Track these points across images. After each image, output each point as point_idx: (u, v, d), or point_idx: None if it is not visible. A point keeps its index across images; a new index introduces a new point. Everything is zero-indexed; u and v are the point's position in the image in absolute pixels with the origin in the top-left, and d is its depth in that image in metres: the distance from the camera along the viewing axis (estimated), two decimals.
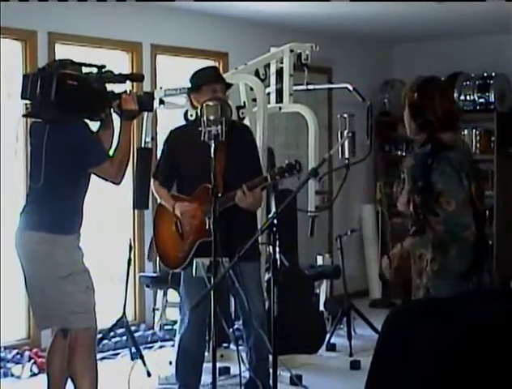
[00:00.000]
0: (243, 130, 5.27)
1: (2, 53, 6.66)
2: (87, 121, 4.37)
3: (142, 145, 6.50)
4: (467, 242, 3.88)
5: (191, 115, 5.78)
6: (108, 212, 7.50)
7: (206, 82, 5.08)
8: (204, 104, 4.61)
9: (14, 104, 6.67)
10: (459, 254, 3.88)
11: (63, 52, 6.98)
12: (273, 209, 6.25)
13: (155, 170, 5.34)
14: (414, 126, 4.06)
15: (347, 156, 5.47)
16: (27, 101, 4.38)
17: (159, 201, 5.25)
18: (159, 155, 5.40)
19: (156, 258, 6.81)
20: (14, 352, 6.48)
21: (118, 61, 7.55)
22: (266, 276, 5.96)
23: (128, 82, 4.71)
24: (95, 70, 4.40)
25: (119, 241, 7.28)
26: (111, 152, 4.41)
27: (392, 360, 2.86)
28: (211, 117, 4.49)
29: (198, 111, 5.01)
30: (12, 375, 6.26)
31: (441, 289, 3.88)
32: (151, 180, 5.31)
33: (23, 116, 4.64)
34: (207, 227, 4.75)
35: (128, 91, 4.49)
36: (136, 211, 7.38)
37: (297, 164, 4.93)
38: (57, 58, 5.06)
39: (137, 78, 5.35)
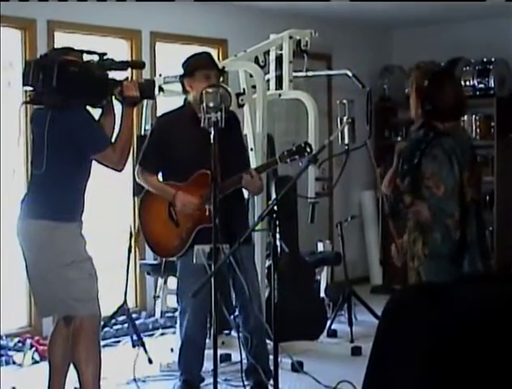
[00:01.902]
0: (231, 117, 5.23)
1: (1, 41, 6.65)
2: (89, 108, 4.37)
3: (142, 132, 6.50)
4: (448, 229, 3.89)
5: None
6: (108, 199, 7.50)
7: (200, 67, 5.07)
8: (204, 91, 4.61)
9: (14, 93, 6.68)
10: (443, 238, 3.90)
11: (62, 40, 6.97)
12: (273, 195, 6.27)
13: (141, 157, 5.25)
14: (419, 111, 4.08)
15: (346, 142, 5.48)
16: (29, 88, 4.38)
17: (146, 188, 5.19)
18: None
19: (144, 247, 6.84)
20: (16, 340, 6.50)
21: (118, 49, 7.54)
22: (267, 263, 5.98)
23: (128, 69, 4.72)
24: (96, 57, 4.40)
25: (119, 229, 7.28)
26: (113, 139, 4.41)
27: (392, 346, 2.87)
28: (211, 104, 4.50)
29: (191, 98, 5.02)
30: (14, 363, 6.27)
31: (430, 272, 3.91)
32: (137, 167, 5.24)
33: (25, 103, 4.64)
34: (207, 213, 4.76)
35: (129, 79, 4.49)
36: (136, 199, 7.36)
37: (307, 146, 4.96)
38: (57, 46, 5.06)
39: (138, 65, 5.35)
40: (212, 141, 4.44)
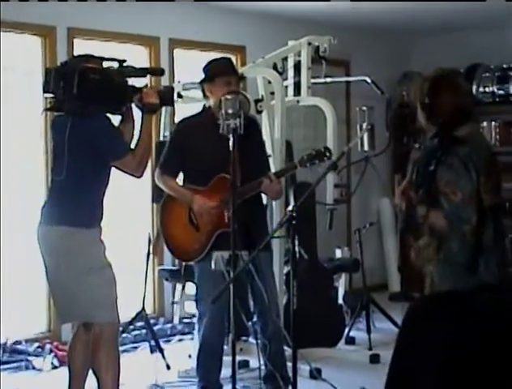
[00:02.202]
0: (251, 122, 5.24)
1: (22, 48, 6.69)
2: (109, 114, 4.39)
3: (161, 139, 6.51)
4: (465, 236, 3.87)
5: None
6: (127, 206, 7.53)
7: (220, 73, 5.08)
8: (223, 98, 4.62)
9: (34, 99, 6.71)
10: (460, 246, 3.88)
11: (82, 47, 7.02)
12: (291, 202, 6.26)
13: (161, 161, 5.26)
14: (425, 122, 4.06)
15: (366, 148, 5.48)
16: (49, 95, 4.40)
17: (167, 192, 5.21)
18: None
19: (162, 252, 6.86)
20: (36, 345, 6.53)
21: (136, 56, 7.57)
22: (285, 269, 5.98)
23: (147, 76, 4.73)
24: (115, 64, 4.42)
25: (138, 235, 7.30)
26: (132, 146, 4.42)
27: (413, 354, 2.87)
28: (230, 111, 4.50)
29: (211, 103, 5.03)
30: (33, 368, 6.30)
31: (445, 278, 3.88)
32: (156, 171, 5.26)
33: (45, 110, 4.68)
34: (226, 218, 4.77)
35: (149, 86, 4.51)
36: (155, 205, 7.39)
37: (326, 151, 4.97)
38: (77, 53, 5.09)
39: (157, 72, 5.37)
40: (231, 147, 4.45)
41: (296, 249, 4.47)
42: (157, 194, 6.36)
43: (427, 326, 2.77)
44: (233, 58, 7.96)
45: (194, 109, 6.28)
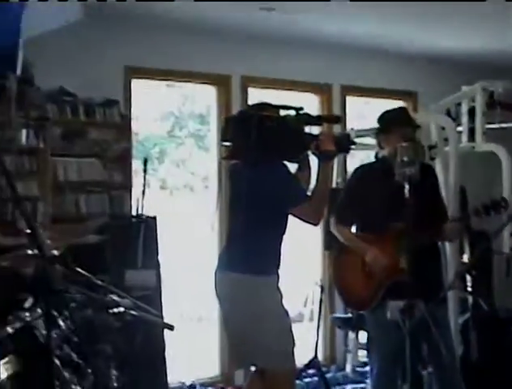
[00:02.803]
0: (428, 169, 5.17)
1: (197, 97, 6.91)
2: (286, 162, 4.43)
3: (334, 185, 6.53)
4: None
5: (380, 155, 5.77)
6: (296, 251, 7.57)
7: (397, 124, 5.03)
8: (399, 146, 4.58)
9: (209, 147, 6.90)
10: None
11: (255, 95, 7.17)
12: (466, 250, 6.12)
13: (337, 209, 5.24)
14: None
15: None
16: (226, 143, 4.49)
17: (341, 241, 5.19)
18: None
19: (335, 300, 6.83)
20: None
21: (308, 103, 7.65)
22: (461, 320, 5.83)
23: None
24: (292, 112, 4.46)
25: (307, 281, 7.32)
26: (309, 193, 4.43)
27: None
28: (406, 159, 4.47)
29: (386, 152, 5.00)
30: None
31: None
32: (332, 219, 5.24)
33: (223, 158, 4.76)
34: (401, 267, 4.70)
35: (326, 133, 4.52)
36: (326, 252, 7.39)
37: (503, 201, 4.84)
38: (251, 102, 5.19)
39: (333, 119, 5.39)
40: (407, 195, 4.40)
41: (473, 298, 4.36)
42: (328, 240, 6.37)
43: None
44: (405, 104, 7.92)
45: (364, 154, 6.29)
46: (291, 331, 4.38)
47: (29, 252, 3.00)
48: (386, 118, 5.13)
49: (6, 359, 2.92)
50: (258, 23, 6.76)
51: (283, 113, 4.49)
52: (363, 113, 8.36)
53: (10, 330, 2.99)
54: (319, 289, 6.65)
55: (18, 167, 6.01)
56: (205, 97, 7.24)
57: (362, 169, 5.30)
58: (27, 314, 3.08)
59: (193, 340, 6.93)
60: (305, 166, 4.54)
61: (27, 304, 3.18)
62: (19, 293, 3.25)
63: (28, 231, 2.81)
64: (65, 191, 6.32)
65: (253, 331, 4.30)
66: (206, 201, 7.23)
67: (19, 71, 4.26)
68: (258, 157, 4.28)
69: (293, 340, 4.38)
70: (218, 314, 6.43)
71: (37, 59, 5.84)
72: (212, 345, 7.02)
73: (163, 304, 5.69)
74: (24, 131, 6.03)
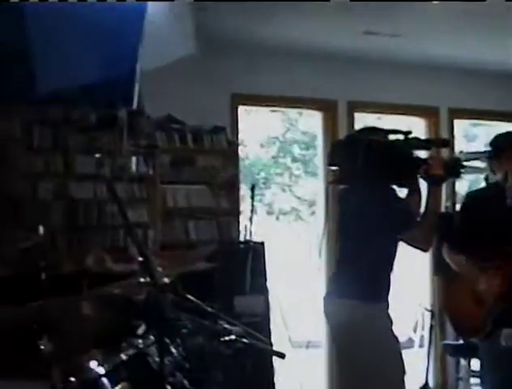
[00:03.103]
0: None
1: (302, 122, 6.92)
2: (395, 186, 4.38)
3: (443, 210, 6.42)
4: None
5: (491, 179, 5.64)
6: (404, 276, 7.47)
7: (510, 147, 4.93)
8: (509, 171, 4.48)
9: (313, 173, 6.89)
10: None
11: (361, 120, 7.14)
12: None
13: (450, 235, 5.14)
14: None
15: None
16: (334, 168, 4.47)
17: (453, 267, 5.09)
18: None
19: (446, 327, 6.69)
20: None
21: (414, 127, 7.57)
22: None
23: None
24: (400, 136, 4.42)
25: (414, 306, 7.22)
26: (419, 218, 4.37)
27: None
28: None
29: (498, 176, 4.89)
30: None
31: None
32: (444, 245, 5.14)
33: (330, 182, 4.75)
34: None
35: (435, 157, 4.46)
36: (435, 277, 7.28)
37: None
38: (358, 126, 5.17)
39: (442, 143, 5.31)
40: None
41: None
42: (438, 265, 6.27)
43: None
44: None
45: (475, 177, 6.18)
46: (401, 359, 4.32)
47: (141, 279, 3.03)
48: (498, 141, 5.02)
49: (120, 386, 2.95)
50: (362, 47, 6.75)
51: (391, 137, 4.45)
52: (471, 135, 8.22)
53: (123, 357, 3.02)
54: (429, 315, 6.53)
55: (128, 194, 6.14)
56: (310, 122, 7.25)
57: (474, 195, 5.20)
58: (140, 340, 3.11)
59: (301, 366, 6.89)
60: (414, 191, 4.48)
61: (140, 331, 3.22)
62: (132, 320, 3.30)
63: (140, 258, 2.86)
64: (174, 218, 6.41)
65: (362, 359, 4.26)
66: (313, 226, 7.21)
67: (135, 105, 4.35)
68: (366, 182, 4.26)
69: (404, 368, 4.32)
70: (327, 340, 6.39)
71: (146, 88, 5.96)
72: (320, 371, 6.98)
73: (271, 330, 5.69)
74: (134, 159, 6.15)
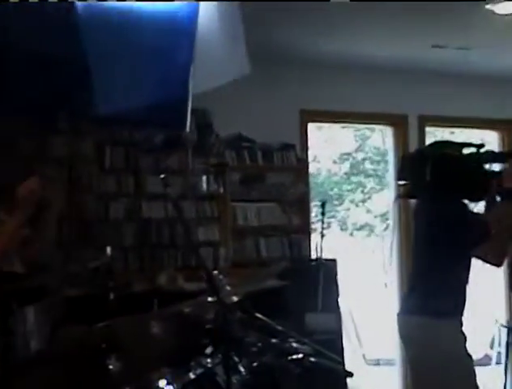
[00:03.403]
0: None
1: (373, 137, 6.87)
2: (468, 201, 4.30)
3: None
4: None
5: None
6: (479, 291, 7.33)
7: None
8: None
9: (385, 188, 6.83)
10: None
11: (431, 134, 7.07)
12: None
13: None
14: None
15: None
16: (404, 182, 4.42)
17: None
18: None
19: None
20: None
21: (487, 140, 7.46)
22: None
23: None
24: (474, 149, 4.34)
25: (489, 322, 7.08)
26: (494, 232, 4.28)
27: None
28: None
29: None
30: None
31: None
32: None
33: (399, 197, 4.69)
34: None
35: (509, 170, 4.36)
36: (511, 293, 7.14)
37: None
38: (428, 140, 5.11)
39: None
40: None
41: None
42: None
43: None
44: None
45: None
46: (475, 378, 4.22)
47: (209, 298, 3.03)
48: None
49: None
50: (432, 60, 6.67)
51: (465, 151, 4.38)
52: None
53: (192, 375, 3.02)
54: (505, 331, 6.40)
55: (199, 213, 6.16)
56: (381, 137, 7.19)
57: None
58: (209, 360, 3.10)
59: (375, 384, 6.82)
60: (491, 205, 4.39)
61: (208, 350, 3.21)
62: (201, 339, 3.29)
63: (206, 278, 2.86)
64: (244, 236, 6.41)
65: (436, 377, 4.18)
66: (386, 240, 7.14)
67: (187, 127, 4.34)
68: (434, 195, 4.19)
69: (477, 387, 4.22)
70: (400, 358, 6.31)
71: (215, 107, 5.99)
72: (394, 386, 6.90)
73: (344, 347, 5.63)
74: (205, 178, 6.18)
